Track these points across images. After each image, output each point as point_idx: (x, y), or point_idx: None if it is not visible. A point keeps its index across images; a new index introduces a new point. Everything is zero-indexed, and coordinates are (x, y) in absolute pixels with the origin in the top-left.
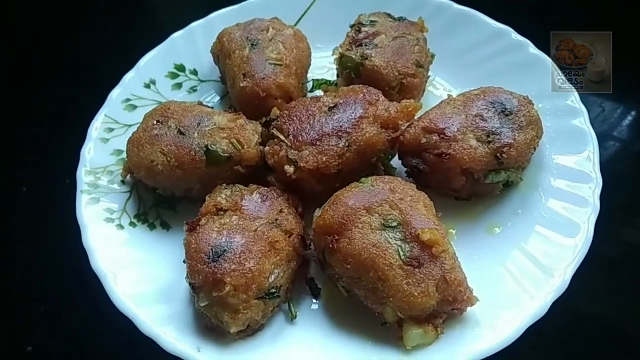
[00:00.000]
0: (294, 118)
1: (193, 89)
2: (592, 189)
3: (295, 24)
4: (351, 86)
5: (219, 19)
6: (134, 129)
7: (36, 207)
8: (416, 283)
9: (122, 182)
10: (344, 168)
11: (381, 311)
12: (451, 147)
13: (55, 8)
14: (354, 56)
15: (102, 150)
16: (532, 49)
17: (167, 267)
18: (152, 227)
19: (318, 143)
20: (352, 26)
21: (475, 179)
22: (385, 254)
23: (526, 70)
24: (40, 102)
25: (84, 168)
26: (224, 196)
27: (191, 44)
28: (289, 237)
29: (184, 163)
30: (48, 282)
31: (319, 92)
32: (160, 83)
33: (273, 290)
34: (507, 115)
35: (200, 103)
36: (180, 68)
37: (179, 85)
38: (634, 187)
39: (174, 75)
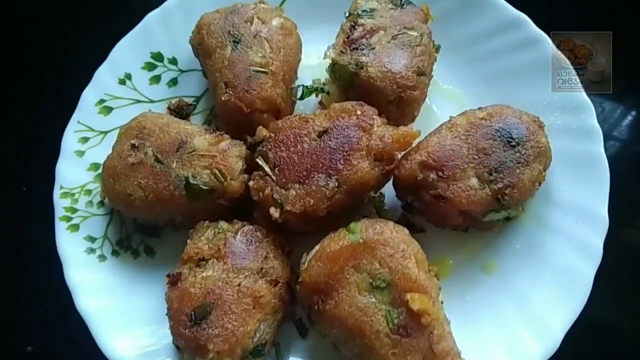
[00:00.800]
0: (281, 145)
1: (173, 82)
2: (598, 239)
3: (282, 3)
4: (343, 105)
5: None
6: (112, 137)
7: (36, 206)
8: (403, 354)
9: (102, 202)
10: (333, 209)
11: None
12: (449, 189)
13: None
14: (347, 64)
15: (77, 165)
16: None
17: (153, 303)
18: (135, 254)
19: (306, 182)
20: (348, 16)
21: (474, 217)
22: (372, 321)
23: (542, 73)
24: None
25: (60, 190)
26: (205, 241)
27: (168, 27)
28: (274, 286)
29: (163, 199)
30: (48, 283)
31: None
32: (137, 77)
33: (258, 348)
34: (513, 147)
35: (180, 100)
36: (158, 57)
37: (157, 79)
38: (634, 187)
39: (151, 67)
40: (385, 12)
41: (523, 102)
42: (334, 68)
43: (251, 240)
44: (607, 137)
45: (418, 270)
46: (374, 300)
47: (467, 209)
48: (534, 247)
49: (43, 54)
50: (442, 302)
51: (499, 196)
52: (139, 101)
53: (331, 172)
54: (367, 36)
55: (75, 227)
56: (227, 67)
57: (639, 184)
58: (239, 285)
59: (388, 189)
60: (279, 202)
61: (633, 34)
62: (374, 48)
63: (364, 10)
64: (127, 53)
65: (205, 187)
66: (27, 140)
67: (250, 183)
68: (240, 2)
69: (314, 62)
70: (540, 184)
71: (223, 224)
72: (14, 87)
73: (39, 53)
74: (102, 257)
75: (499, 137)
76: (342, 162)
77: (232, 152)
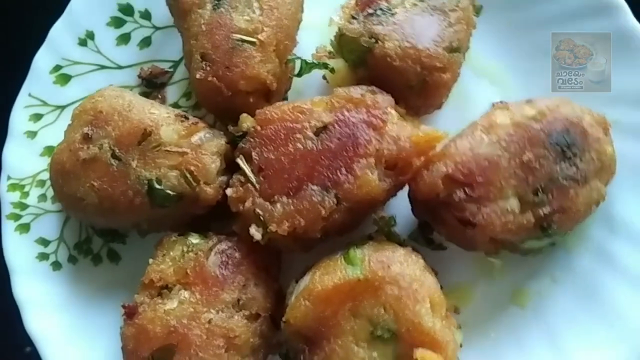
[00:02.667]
0: (268, 142)
1: (146, 42)
2: None
3: None
4: (351, 92)
5: None
6: (70, 112)
7: None
8: None
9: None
10: (329, 230)
11: None
12: (480, 212)
13: None
14: (358, 37)
15: (28, 149)
16: (630, 18)
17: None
18: (97, 260)
19: (297, 195)
20: None
21: (506, 245)
22: None
23: (612, 52)
24: None
25: (7, 182)
26: (170, 263)
27: None
28: (254, 321)
29: (120, 206)
30: None
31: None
32: (101, 36)
33: None
34: (569, 158)
35: (154, 70)
36: (128, 10)
37: (126, 38)
38: None
39: (118, 23)
40: None
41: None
42: (341, 40)
43: (227, 263)
44: None
45: (433, 317)
46: (374, 355)
47: (502, 237)
48: (578, 277)
49: None
50: (461, 345)
51: (544, 223)
52: (103, 67)
53: (329, 184)
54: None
55: (25, 228)
56: (205, 33)
57: None
58: (209, 322)
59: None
60: (263, 219)
61: None
62: (394, 14)
63: None
64: (88, 6)
65: (172, 193)
66: None
67: (228, 191)
68: None
69: (319, 22)
70: (598, 204)
71: (193, 239)
72: None
73: None
74: (57, 265)
75: (550, 144)
76: (344, 171)
77: (208, 148)
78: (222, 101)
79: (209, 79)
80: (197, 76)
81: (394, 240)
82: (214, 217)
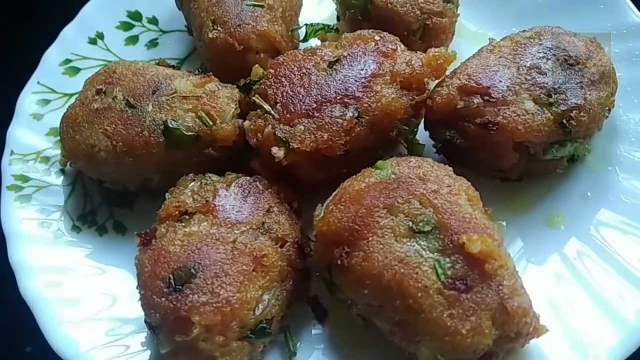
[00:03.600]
0: (283, 79)
1: (153, 43)
2: None
3: None
4: (358, 32)
5: None
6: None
7: None
8: (464, 315)
9: (62, 171)
10: (352, 148)
11: (413, 351)
12: (500, 114)
13: None
14: None
15: (34, 129)
16: None
17: (122, 291)
18: (102, 230)
19: (317, 114)
20: None
21: (532, 155)
22: (417, 273)
23: (589, 3)
24: None
25: (10, 155)
26: (189, 193)
27: None
28: (281, 247)
29: (135, 147)
30: None
31: (315, 42)
32: (110, 37)
33: (263, 325)
34: (572, 65)
35: (161, 61)
36: (136, 16)
37: (134, 39)
38: None
39: (127, 26)
40: None
41: None
42: None
43: (249, 192)
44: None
45: (472, 209)
46: (417, 247)
47: (525, 139)
48: (610, 190)
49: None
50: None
51: (564, 120)
52: (108, 63)
53: (348, 101)
54: None
55: (26, 198)
56: (215, 3)
57: None
58: (234, 241)
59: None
60: (284, 139)
61: None
62: None
63: None
64: (99, 11)
65: (188, 133)
66: None
67: (246, 123)
68: None
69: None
70: (610, 110)
71: (212, 176)
72: None
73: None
74: (59, 233)
75: (553, 55)
76: (361, 88)
77: (223, 94)
78: (234, 59)
79: (222, 37)
80: (210, 36)
81: (418, 149)
82: (230, 168)
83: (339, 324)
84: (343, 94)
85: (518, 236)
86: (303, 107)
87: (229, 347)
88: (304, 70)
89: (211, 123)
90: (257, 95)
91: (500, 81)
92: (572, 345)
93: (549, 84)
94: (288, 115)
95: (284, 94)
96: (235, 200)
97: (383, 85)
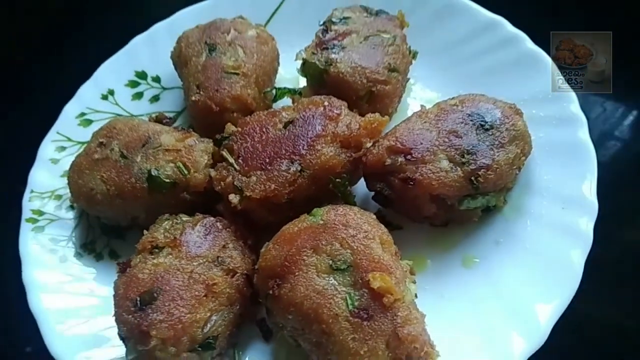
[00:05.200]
0: (247, 137)
1: (155, 98)
2: (586, 222)
3: (267, 23)
4: (312, 97)
5: (185, 19)
6: None
7: None
8: (364, 339)
9: (72, 207)
10: (296, 196)
11: None
12: (418, 171)
13: None
14: (317, 62)
15: (51, 171)
16: (529, 43)
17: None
18: (99, 257)
19: (269, 167)
20: (322, 24)
21: (449, 205)
22: (330, 304)
23: (521, 70)
24: None
25: (30, 194)
26: (162, 230)
27: (153, 47)
28: (231, 277)
29: (124, 192)
30: None
31: (286, 102)
32: (120, 93)
33: (209, 340)
34: (486, 130)
35: (160, 114)
36: (142, 75)
37: (139, 95)
38: (634, 187)
39: (134, 84)
40: (358, 20)
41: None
42: (304, 66)
43: (210, 230)
44: (607, 137)
45: (383, 251)
46: (333, 282)
47: (439, 193)
48: (518, 239)
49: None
50: (416, 296)
51: (472, 178)
52: (119, 115)
53: (294, 157)
54: (340, 38)
55: (40, 229)
56: (200, 71)
57: (639, 184)
58: (191, 272)
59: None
60: (239, 188)
61: (633, 34)
62: (344, 48)
63: (339, 18)
64: (111, 72)
65: (167, 180)
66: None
67: (212, 173)
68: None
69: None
70: (519, 169)
71: (183, 216)
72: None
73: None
74: (64, 258)
75: (470, 121)
76: (305, 147)
77: (198, 147)
78: (213, 118)
79: (202, 99)
80: (193, 99)
81: (350, 199)
82: (203, 209)
83: (281, 343)
84: (291, 150)
85: (439, 272)
86: (259, 161)
87: (179, 357)
88: (264, 129)
89: (186, 172)
90: (225, 150)
91: (422, 143)
92: None
93: (463, 145)
94: (246, 168)
95: (246, 149)
96: (198, 237)
97: (324, 145)
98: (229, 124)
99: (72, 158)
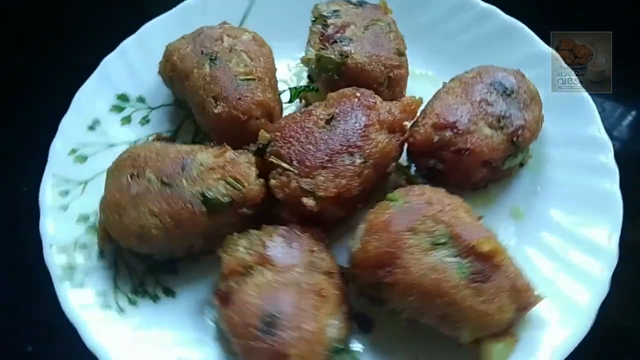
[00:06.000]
0: (291, 140)
1: (145, 120)
2: (605, 157)
3: (240, 25)
4: (340, 91)
5: (153, 32)
6: (94, 185)
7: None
8: (489, 299)
9: (102, 253)
10: (365, 187)
11: (457, 335)
12: (468, 141)
13: None
14: (333, 56)
15: (64, 220)
16: (502, 15)
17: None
18: (155, 298)
19: (330, 165)
20: (314, 20)
21: (494, 167)
22: (446, 276)
23: (501, 40)
24: None
25: (51, 249)
26: (243, 250)
27: (128, 67)
28: (330, 278)
29: (182, 220)
30: (49, 282)
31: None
32: (106, 121)
33: (335, 345)
34: (509, 95)
35: (158, 135)
36: (124, 98)
37: (128, 120)
38: (633, 187)
39: (119, 109)
40: (348, 12)
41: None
42: (320, 62)
43: (291, 239)
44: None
45: (470, 218)
46: (440, 256)
47: (489, 157)
48: (552, 183)
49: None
50: None
51: (514, 138)
52: (113, 145)
53: (352, 150)
54: (341, 31)
55: (79, 285)
56: (211, 82)
57: (639, 184)
58: (298, 283)
59: None
60: (310, 190)
61: (633, 34)
62: (352, 39)
63: (330, 12)
64: (90, 99)
65: (225, 199)
66: None
67: (272, 182)
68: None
69: (284, 76)
70: (542, 123)
71: (253, 231)
72: None
73: None
74: (121, 311)
75: (494, 89)
76: (360, 138)
77: (242, 160)
78: (239, 128)
79: (227, 110)
80: (217, 111)
81: (415, 182)
82: (258, 221)
83: (381, 331)
84: (347, 144)
85: (495, 227)
86: (317, 160)
87: None
88: (307, 130)
89: (241, 187)
90: (272, 156)
91: (462, 116)
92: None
93: (496, 112)
94: (306, 170)
95: (297, 151)
96: (283, 248)
97: (376, 133)
98: (261, 131)
99: (81, 201)
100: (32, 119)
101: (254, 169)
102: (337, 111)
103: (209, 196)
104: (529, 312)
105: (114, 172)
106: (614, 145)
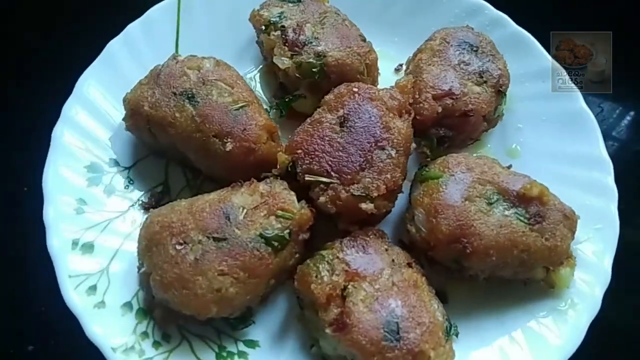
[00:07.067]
0: (317, 153)
1: (130, 181)
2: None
3: (177, 48)
4: (335, 92)
5: (90, 84)
6: (118, 270)
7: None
8: (552, 235)
9: (165, 335)
10: (404, 174)
11: (531, 275)
12: (468, 103)
13: None
14: (311, 60)
15: (108, 318)
16: None
17: None
18: (244, 356)
19: (367, 165)
20: (265, 28)
21: (489, 119)
22: (513, 228)
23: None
24: None
25: (115, 353)
26: (328, 274)
27: (81, 131)
28: (411, 268)
29: (255, 269)
30: (49, 282)
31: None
32: (91, 198)
33: (449, 325)
34: (475, 51)
35: (152, 194)
36: (96, 168)
37: (111, 189)
38: (633, 187)
39: (97, 180)
40: (292, 10)
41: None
42: (302, 68)
43: (363, 246)
44: (606, 137)
45: (504, 170)
46: (500, 213)
47: (487, 112)
48: (535, 117)
49: None
50: None
51: (500, 88)
52: (111, 220)
53: (381, 144)
54: (301, 32)
55: None
56: (204, 122)
57: (639, 184)
58: (393, 284)
59: None
60: (363, 195)
61: (633, 34)
62: (317, 38)
63: (275, 17)
64: (60, 183)
65: (284, 233)
66: None
67: (321, 199)
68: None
69: None
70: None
71: (323, 253)
72: None
73: None
74: None
75: (463, 49)
76: (382, 131)
77: (277, 188)
78: (253, 156)
79: (237, 145)
80: (228, 149)
81: (439, 153)
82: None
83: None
84: (373, 140)
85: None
86: (353, 165)
87: (447, 353)
88: (328, 138)
89: (291, 215)
90: (307, 175)
91: (452, 81)
92: None
93: (476, 69)
94: (349, 177)
95: (329, 162)
96: (362, 257)
97: (393, 121)
98: (279, 154)
99: (114, 289)
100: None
101: (293, 193)
102: (345, 112)
103: (269, 235)
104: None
105: (151, 248)
106: (612, 146)
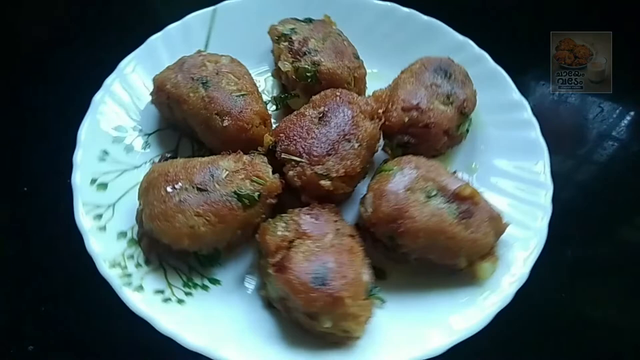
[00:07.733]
0: (295, 138)
1: (147, 144)
2: (526, 111)
3: (205, 49)
4: (322, 93)
5: (131, 68)
6: (121, 207)
7: (37, 208)
8: (476, 230)
9: (147, 260)
10: (363, 165)
11: (455, 262)
12: (431, 117)
13: None
14: (307, 66)
15: (107, 239)
16: (423, 17)
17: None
18: (205, 288)
19: (334, 152)
20: (277, 39)
21: (450, 135)
22: (443, 218)
23: (426, 37)
24: None
25: (105, 264)
26: (282, 229)
27: (118, 100)
28: (353, 238)
29: (224, 216)
30: (49, 282)
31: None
32: (113, 151)
33: (371, 287)
34: (449, 77)
35: (163, 155)
36: (122, 130)
37: (130, 147)
38: (633, 187)
39: (120, 139)
40: (302, 28)
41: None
42: (298, 72)
43: (316, 215)
44: (606, 137)
45: (447, 172)
46: (435, 204)
47: (448, 127)
48: (491, 140)
49: None
50: None
51: (462, 110)
52: (125, 170)
53: (348, 137)
54: (305, 45)
55: (140, 288)
56: (210, 102)
57: (638, 184)
58: (332, 246)
59: None
60: (324, 174)
61: (633, 34)
62: (317, 50)
63: (288, 31)
64: (94, 134)
65: (254, 194)
66: None
67: (290, 173)
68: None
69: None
70: (476, 95)
71: (284, 215)
72: None
73: None
74: (180, 301)
75: (437, 74)
76: (352, 127)
77: (258, 160)
78: (245, 136)
79: (233, 122)
80: (224, 125)
81: (398, 155)
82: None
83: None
84: (343, 134)
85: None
86: (323, 150)
87: (363, 307)
88: (306, 127)
89: (263, 182)
90: (284, 153)
91: (421, 98)
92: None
93: (445, 91)
94: (316, 159)
95: (303, 146)
96: (314, 223)
97: (362, 121)
98: (266, 135)
99: (114, 221)
100: (31, 119)
101: (270, 166)
102: (326, 109)
103: (241, 193)
104: (502, 236)
105: (148, 189)
106: (612, 146)
